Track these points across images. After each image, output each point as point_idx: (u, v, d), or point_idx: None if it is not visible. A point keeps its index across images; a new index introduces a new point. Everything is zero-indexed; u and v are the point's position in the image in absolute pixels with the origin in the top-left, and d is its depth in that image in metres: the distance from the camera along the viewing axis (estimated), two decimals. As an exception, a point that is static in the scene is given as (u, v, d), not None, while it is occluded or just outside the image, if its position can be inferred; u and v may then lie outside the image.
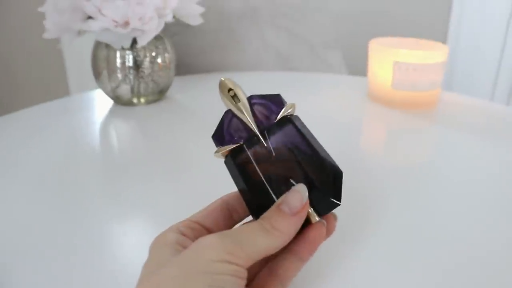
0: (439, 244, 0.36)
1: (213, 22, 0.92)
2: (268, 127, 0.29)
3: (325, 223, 0.27)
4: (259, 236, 0.24)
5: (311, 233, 0.27)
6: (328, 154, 0.29)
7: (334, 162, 0.28)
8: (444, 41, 1.58)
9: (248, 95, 0.30)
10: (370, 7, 1.52)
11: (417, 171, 0.49)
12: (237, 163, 0.28)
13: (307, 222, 0.27)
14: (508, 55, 1.50)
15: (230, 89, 0.29)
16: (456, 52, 1.58)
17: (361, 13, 1.52)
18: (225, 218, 0.29)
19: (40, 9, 0.61)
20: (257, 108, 0.29)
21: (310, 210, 0.26)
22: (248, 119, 0.29)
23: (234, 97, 0.29)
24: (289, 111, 0.29)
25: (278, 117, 0.29)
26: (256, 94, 0.30)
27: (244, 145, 0.29)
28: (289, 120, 0.29)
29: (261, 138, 0.28)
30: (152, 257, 0.25)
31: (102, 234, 0.38)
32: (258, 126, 0.29)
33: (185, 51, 0.93)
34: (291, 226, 0.25)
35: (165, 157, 0.53)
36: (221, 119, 0.30)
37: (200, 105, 0.71)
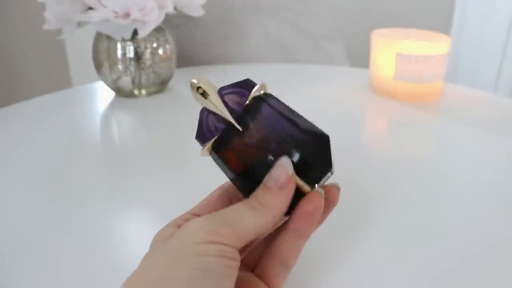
0: (442, 238, 0.36)
1: (215, 14, 0.92)
2: (241, 112, 0.28)
3: (322, 192, 0.26)
4: (246, 214, 0.24)
5: (306, 205, 0.25)
6: (309, 122, 0.27)
7: (318, 128, 0.27)
8: (447, 33, 1.57)
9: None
10: (373, -2, 1.51)
11: (419, 163, 0.49)
12: (220, 155, 0.28)
13: (302, 196, 0.25)
14: (511, 47, 1.49)
15: (198, 87, 0.29)
16: (460, 44, 1.57)
17: (364, 4, 1.51)
18: (225, 207, 0.28)
19: (40, 0, 0.61)
20: (228, 97, 0.29)
21: (301, 183, 0.25)
22: (220, 109, 0.28)
23: (204, 93, 0.29)
24: (259, 91, 0.29)
25: (249, 99, 0.28)
26: (225, 85, 0.29)
27: (222, 136, 0.28)
28: (261, 99, 0.28)
29: (236, 125, 0.28)
30: (148, 254, 0.25)
31: (103, 226, 0.38)
32: (231, 114, 0.28)
33: (187, 43, 0.93)
34: (278, 200, 0.24)
35: (167, 149, 0.53)
36: (199, 118, 0.29)
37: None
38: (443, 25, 1.57)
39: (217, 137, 0.29)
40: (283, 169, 0.25)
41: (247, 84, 0.29)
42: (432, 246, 0.35)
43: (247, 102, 0.28)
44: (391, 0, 1.52)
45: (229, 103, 0.29)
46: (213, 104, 0.29)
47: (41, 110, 0.67)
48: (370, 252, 0.34)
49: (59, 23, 0.63)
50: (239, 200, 0.29)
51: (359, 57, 1.03)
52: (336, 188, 0.28)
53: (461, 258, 0.34)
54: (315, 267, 0.32)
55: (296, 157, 0.26)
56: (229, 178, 0.28)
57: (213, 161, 0.29)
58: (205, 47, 0.95)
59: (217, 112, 0.29)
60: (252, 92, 0.28)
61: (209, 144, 0.29)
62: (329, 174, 0.26)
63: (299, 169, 0.25)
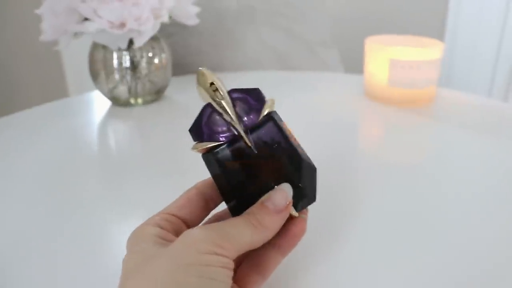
0: (436, 243, 0.36)
1: (209, 22, 0.93)
2: (250, 125, 0.28)
3: (306, 218, 0.29)
4: (246, 231, 0.25)
5: (294, 228, 0.28)
6: (303, 150, 0.29)
7: (309, 159, 0.29)
8: (441, 38, 1.58)
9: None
10: (367, 5, 1.53)
11: (414, 168, 0.49)
12: (218, 160, 0.28)
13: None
14: (505, 52, 1.51)
15: (212, 83, 0.28)
16: (454, 49, 1.58)
17: (358, 11, 1.52)
18: (201, 207, 0.29)
19: (37, 11, 0.62)
20: (237, 103, 0.28)
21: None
22: (232, 116, 0.28)
23: (216, 92, 0.28)
24: (268, 108, 0.29)
25: (262, 115, 0.28)
26: (236, 88, 0.29)
27: (226, 143, 0.28)
28: (270, 117, 0.28)
29: (244, 136, 0.28)
30: (134, 252, 0.25)
31: (100, 234, 0.38)
32: (240, 124, 0.28)
33: (182, 51, 0.93)
34: (276, 223, 0.26)
35: (163, 157, 0.53)
36: (200, 113, 0.29)
37: (198, 105, 0.71)
38: (437, 31, 1.59)
39: (219, 142, 0.28)
40: (284, 195, 0.27)
41: (256, 94, 0.29)
42: (426, 251, 0.35)
43: (259, 118, 0.28)
44: (385, 7, 1.53)
45: (238, 110, 0.28)
46: (226, 109, 0.28)
47: (38, 119, 0.67)
48: (364, 257, 0.34)
49: (56, 34, 0.63)
50: (215, 202, 0.30)
51: (354, 63, 1.04)
52: (305, 212, 0.30)
53: (455, 263, 0.34)
54: (305, 273, 0.33)
55: (291, 183, 0.27)
56: (218, 184, 0.29)
57: (203, 162, 0.29)
58: (200, 55, 0.95)
59: (226, 118, 0.28)
60: (264, 107, 0.29)
61: (208, 146, 0.28)
62: (312, 203, 0.29)
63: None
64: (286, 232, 0.28)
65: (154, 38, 0.68)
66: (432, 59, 0.65)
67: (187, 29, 0.89)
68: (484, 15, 1.52)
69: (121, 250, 0.36)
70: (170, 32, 0.89)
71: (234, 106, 0.28)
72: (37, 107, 0.72)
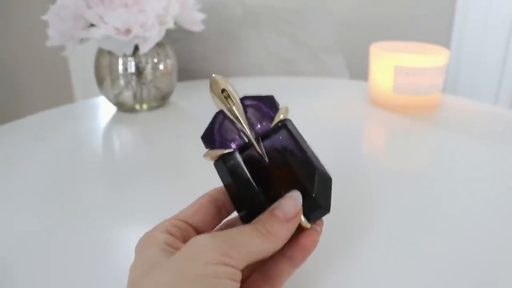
0: (440, 251, 0.36)
1: (214, 28, 0.93)
2: (261, 133, 0.28)
3: (318, 230, 0.28)
4: (254, 239, 0.24)
5: (305, 240, 0.27)
6: (318, 159, 0.28)
7: (324, 168, 0.28)
8: (447, 45, 1.58)
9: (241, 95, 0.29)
10: (372, 11, 1.53)
11: (419, 176, 0.49)
12: (228, 168, 0.28)
13: (298, 228, 0.27)
14: (511, 59, 1.50)
15: (223, 90, 0.28)
16: (460, 56, 1.58)
17: (363, 17, 1.52)
18: (213, 215, 0.29)
19: (43, 18, 0.62)
20: (249, 110, 0.28)
21: (302, 218, 0.27)
22: (243, 123, 0.28)
23: (228, 99, 0.28)
24: (282, 115, 0.29)
25: (274, 122, 0.28)
26: (249, 95, 0.29)
27: (237, 150, 0.28)
28: (283, 125, 0.28)
29: (255, 144, 0.28)
30: (141, 259, 0.25)
31: (105, 240, 0.39)
32: (252, 131, 0.28)
33: (187, 57, 0.94)
34: (285, 231, 0.25)
35: (168, 163, 0.53)
36: (212, 120, 0.28)
37: (203, 111, 0.71)
38: (443, 37, 1.59)
39: (231, 150, 0.28)
40: (294, 202, 0.26)
41: (269, 101, 0.29)
42: (430, 259, 0.35)
43: (271, 125, 0.28)
44: (391, 13, 1.53)
45: (250, 117, 0.28)
46: (237, 116, 0.28)
47: (43, 124, 0.68)
48: (370, 264, 0.34)
49: (62, 39, 0.63)
50: (227, 209, 0.30)
51: (359, 69, 1.04)
52: (321, 223, 0.29)
53: (460, 271, 0.34)
54: (312, 278, 0.32)
55: (304, 192, 0.26)
56: (228, 191, 0.28)
57: (214, 170, 0.29)
58: (205, 61, 0.96)
59: (238, 125, 0.28)
60: (277, 115, 0.28)
61: (220, 153, 0.28)
62: (327, 213, 0.27)
63: (303, 204, 0.26)
64: (297, 244, 0.27)
65: (159, 44, 0.68)
66: (437, 66, 0.65)
67: (192, 35, 0.90)
68: (491, 21, 1.51)
69: (126, 256, 0.36)
70: (175, 38, 0.89)
71: (246, 113, 0.28)
72: (43, 112, 0.72)
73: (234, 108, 0.28)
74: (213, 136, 0.28)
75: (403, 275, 0.33)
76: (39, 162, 0.54)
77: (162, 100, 0.72)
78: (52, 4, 0.61)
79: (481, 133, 0.61)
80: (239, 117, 0.28)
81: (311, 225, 0.27)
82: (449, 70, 0.69)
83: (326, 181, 0.27)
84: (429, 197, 0.44)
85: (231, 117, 0.28)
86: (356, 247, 0.36)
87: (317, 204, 0.27)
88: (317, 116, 0.68)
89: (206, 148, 0.29)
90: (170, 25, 0.64)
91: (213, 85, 0.28)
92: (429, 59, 0.65)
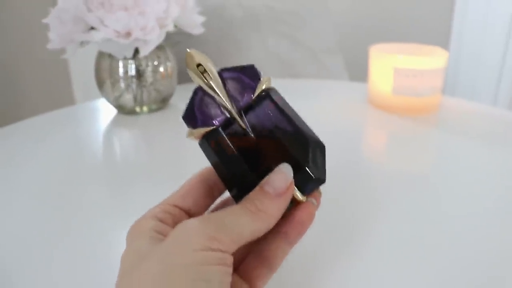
0: (440, 252, 0.36)
1: (214, 31, 0.93)
2: (244, 106, 0.26)
3: (314, 202, 0.26)
4: (244, 219, 0.23)
5: (300, 214, 0.25)
6: (309, 128, 0.27)
7: (316, 136, 0.26)
8: (446, 47, 1.58)
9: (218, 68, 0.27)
10: (372, 13, 1.53)
11: (419, 177, 0.49)
12: (213, 146, 0.26)
13: (292, 202, 0.25)
14: (510, 60, 1.50)
15: (199, 64, 0.26)
16: (459, 57, 1.58)
17: (363, 19, 1.53)
18: (205, 196, 0.27)
19: (44, 21, 0.62)
20: (229, 83, 0.27)
21: (295, 191, 0.25)
22: (222, 98, 0.26)
23: (204, 73, 0.26)
24: (264, 85, 0.27)
25: (255, 93, 0.26)
26: (228, 67, 0.27)
27: (220, 127, 0.26)
28: (266, 95, 0.26)
29: (237, 118, 0.26)
30: (130, 249, 0.24)
31: (105, 242, 0.39)
32: (233, 105, 0.26)
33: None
34: (276, 208, 0.24)
35: (168, 165, 0.54)
36: (191, 97, 0.27)
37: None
38: (442, 39, 1.59)
39: (213, 127, 0.26)
40: (283, 176, 0.24)
41: (250, 72, 0.27)
42: (430, 261, 0.35)
43: (253, 96, 0.26)
44: (390, 15, 1.53)
45: (231, 90, 0.27)
46: (215, 90, 0.26)
47: (44, 127, 0.68)
48: (369, 267, 0.34)
49: (63, 42, 0.64)
50: (219, 189, 0.28)
51: (358, 71, 1.04)
52: (318, 194, 0.27)
53: (461, 272, 0.34)
54: (308, 281, 0.33)
55: (296, 165, 0.25)
56: (217, 171, 0.27)
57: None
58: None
59: (217, 99, 0.26)
60: (258, 86, 0.27)
61: (201, 132, 0.27)
62: (322, 184, 0.26)
63: (295, 177, 0.25)
64: (292, 219, 0.25)
65: (159, 47, 0.68)
66: (436, 67, 0.65)
67: (193, 37, 0.90)
68: (489, 23, 1.52)
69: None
70: (175, 40, 0.89)
71: (225, 86, 0.26)
72: (44, 114, 0.73)
73: (211, 82, 0.26)
74: (194, 114, 0.27)
75: (405, 276, 0.33)
76: (40, 164, 0.54)
77: (162, 102, 0.72)
78: (52, 7, 0.61)
79: (480, 134, 0.61)
80: (218, 92, 0.26)
81: (307, 198, 0.26)
82: (448, 71, 0.69)
83: (319, 149, 0.26)
84: (429, 199, 0.44)
85: (210, 92, 0.26)
86: (357, 249, 0.36)
87: (310, 175, 0.25)
88: (316, 117, 0.68)
89: (188, 127, 0.27)
90: (170, 28, 0.64)
91: (188, 60, 0.26)
92: (429, 60, 0.65)
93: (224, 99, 0.26)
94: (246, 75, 0.27)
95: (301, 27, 1.02)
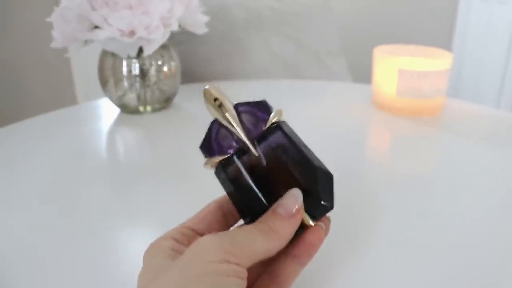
0: (444, 253, 0.36)
1: (218, 31, 0.93)
2: (257, 136, 0.29)
3: (323, 226, 0.28)
4: (257, 237, 0.24)
5: (310, 237, 0.27)
6: (317, 158, 0.29)
7: (324, 166, 0.28)
8: (449, 48, 1.58)
9: (234, 103, 0.30)
10: (375, 14, 1.53)
11: (422, 179, 0.49)
12: (228, 174, 0.28)
13: (302, 227, 0.27)
14: (514, 62, 1.50)
15: (216, 99, 0.28)
16: (462, 59, 1.58)
17: (366, 21, 1.53)
18: (219, 222, 0.29)
19: (47, 19, 0.62)
20: (244, 116, 0.29)
21: (305, 215, 0.27)
22: (237, 129, 0.28)
23: (221, 107, 0.28)
24: (276, 117, 0.29)
25: (267, 124, 0.29)
26: (242, 102, 0.29)
27: (234, 156, 0.29)
28: (277, 126, 0.29)
29: (251, 147, 0.28)
30: (148, 266, 0.25)
31: (109, 242, 0.38)
32: (247, 135, 0.28)
33: (191, 59, 0.94)
34: (288, 228, 0.25)
35: (171, 165, 0.53)
36: (208, 129, 0.29)
37: (206, 113, 0.71)
38: (444, 40, 1.59)
39: (228, 156, 0.29)
40: (294, 199, 0.26)
41: (263, 106, 0.29)
42: (434, 261, 0.35)
43: (265, 127, 0.29)
44: (393, 17, 1.53)
45: (245, 122, 0.29)
46: (230, 122, 0.28)
47: (47, 126, 0.68)
48: (374, 268, 0.34)
49: (66, 41, 0.64)
50: (234, 216, 0.30)
51: (362, 72, 1.04)
52: (327, 220, 0.29)
53: (463, 273, 0.34)
54: (310, 281, 0.32)
55: (306, 191, 0.27)
56: (231, 197, 0.29)
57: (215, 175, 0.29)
58: (209, 63, 0.96)
59: (233, 130, 0.29)
60: (270, 117, 0.29)
61: (217, 161, 0.29)
62: (330, 210, 0.27)
63: (304, 203, 0.26)
64: (303, 241, 0.27)
65: (163, 46, 0.68)
66: (441, 69, 0.65)
67: (196, 37, 0.90)
68: (492, 25, 1.52)
69: (129, 258, 0.36)
70: (179, 40, 0.89)
71: (240, 119, 0.29)
72: (46, 113, 0.73)
73: (227, 115, 0.28)
74: (211, 145, 0.29)
75: (407, 277, 0.33)
76: (43, 163, 0.54)
77: (166, 102, 0.72)
78: (56, 5, 0.61)
79: (484, 136, 0.60)
80: (233, 123, 0.28)
81: (316, 222, 0.27)
82: (451, 73, 0.69)
83: (327, 178, 0.28)
84: (432, 200, 0.44)
85: (226, 124, 0.28)
86: (360, 250, 0.36)
87: (319, 201, 0.27)
88: (320, 119, 0.68)
89: (205, 157, 0.29)
90: (174, 27, 0.64)
91: (206, 95, 0.29)
92: (433, 62, 0.65)
93: (239, 130, 0.28)
94: (259, 109, 0.29)
95: (305, 28, 1.02)
